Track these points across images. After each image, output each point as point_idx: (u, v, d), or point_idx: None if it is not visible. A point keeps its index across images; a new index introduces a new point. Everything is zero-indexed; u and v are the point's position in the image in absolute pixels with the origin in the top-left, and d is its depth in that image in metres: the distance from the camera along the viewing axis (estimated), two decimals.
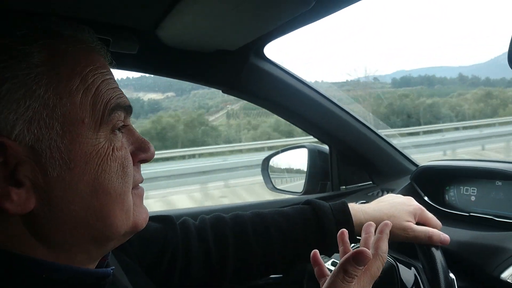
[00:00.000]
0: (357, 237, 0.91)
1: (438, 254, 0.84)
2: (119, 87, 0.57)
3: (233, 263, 0.89)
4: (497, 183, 1.09)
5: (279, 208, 0.98)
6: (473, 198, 1.15)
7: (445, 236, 0.87)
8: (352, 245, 1.01)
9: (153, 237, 0.85)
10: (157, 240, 0.86)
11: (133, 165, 0.57)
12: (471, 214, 1.10)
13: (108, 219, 0.53)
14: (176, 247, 0.86)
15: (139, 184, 0.61)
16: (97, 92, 0.52)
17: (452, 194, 1.21)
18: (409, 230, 0.88)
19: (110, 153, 0.53)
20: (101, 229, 0.53)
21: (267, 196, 1.97)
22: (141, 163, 0.61)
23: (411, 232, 0.87)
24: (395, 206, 0.91)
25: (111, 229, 0.53)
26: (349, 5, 0.83)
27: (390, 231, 0.88)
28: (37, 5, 0.78)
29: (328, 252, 0.92)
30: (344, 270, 0.61)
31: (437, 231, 0.88)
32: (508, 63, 0.81)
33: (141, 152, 0.60)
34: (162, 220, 0.89)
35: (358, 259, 0.60)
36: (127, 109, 0.57)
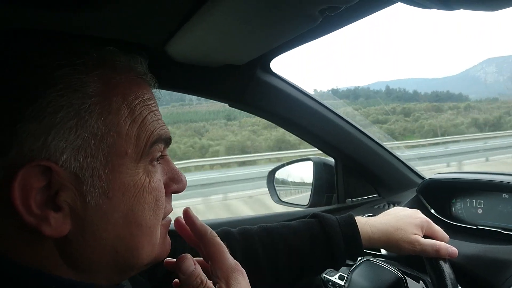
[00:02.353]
0: (365, 251, 0.91)
1: (446, 267, 0.84)
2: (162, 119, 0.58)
3: None
4: (504, 195, 1.09)
5: (286, 222, 0.98)
6: (480, 211, 1.15)
7: (453, 249, 0.87)
8: (359, 259, 1.01)
9: None
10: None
11: (165, 195, 0.58)
12: (478, 227, 1.10)
13: (135, 250, 0.54)
14: None
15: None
16: (142, 124, 0.53)
17: (459, 207, 1.20)
18: (416, 243, 0.87)
19: (147, 185, 0.53)
20: (127, 258, 0.54)
21: None
22: (172, 193, 0.61)
23: (418, 245, 0.87)
24: (402, 219, 0.91)
25: (136, 259, 0.54)
26: (354, 21, 0.85)
27: (398, 245, 0.89)
28: (46, 24, 0.80)
29: (336, 265, 0.92)
30: None
31: (445, 244, 0.87)
32: None
33: (173, 183, 0.60)
34: (171, 234, 0.90)
35: None
36: (167, 141, 0.58)
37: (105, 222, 0.50)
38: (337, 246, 0.89)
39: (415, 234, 0.88)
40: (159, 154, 0.56)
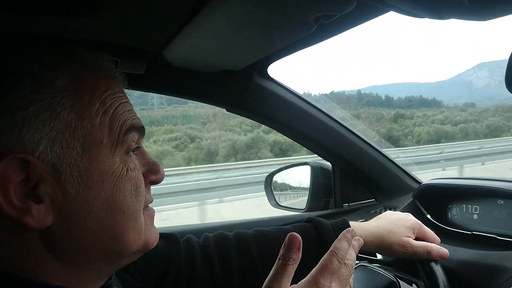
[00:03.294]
0: (361, 256, 0.91)
1: (438, 269, 0.85)
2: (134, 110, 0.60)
3: (237, 281, 0.89)
4: (499, 201, 1.09)
5: (281, 226, 0.99)
6: (475, 217, 1.15)
7: (444, 250, 0.88)
8: (355, 262, 1.02)
9: (156, 255, 0.85)
10: (161, 258, 0.86)
11: (144, 186, 0.59)
12: (473, 232, 1.10)
13: (121, 236, 0.55)
14: (180, 265, 0.87)
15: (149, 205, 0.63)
16: (114, 114, 0.55)
17: (455, 212, 1.21)
18: (407, 246, 0.89)
19: (125, 174, 0.55)
20: (114, 246, 0.54)
21: None
22: (151, 184, 0.63)
23: (410, 247, 0.88)
24: (394, 222, 0.93)
25: (123, 246, 0.55)
26: (349, 29, 0.86)
27: (390, 248, 0.90)
28: (46, 27, 0.81)
29: None
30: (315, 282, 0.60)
31: (436, 246, 0.89)
32: (506, 86, 0.83)
33: (151, 174, 0.62)
34: (165, 238, 0.90)
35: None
36: (141, 130, 0.60)
37: (87, 210, 0.52)
38: None
39: (407, 237, 0.90)
40: (134, 144, 0.58)
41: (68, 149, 0.51)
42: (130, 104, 0.60)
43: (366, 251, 0.94)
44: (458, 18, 0.59)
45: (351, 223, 0.93)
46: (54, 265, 0.51)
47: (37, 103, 0.49)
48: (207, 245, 0.92)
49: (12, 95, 0.49)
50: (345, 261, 0.64)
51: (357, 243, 0.70)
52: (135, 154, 0.59)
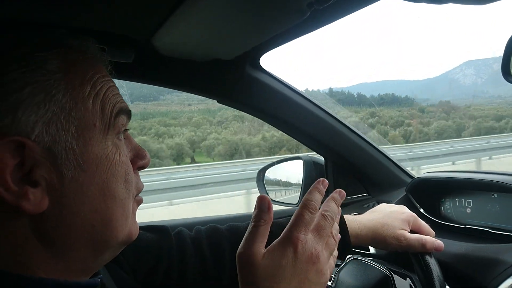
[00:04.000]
0: (354, 250, 0.90)
1: (432, 262, 0.84)
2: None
3: (230, 272, 0.88)
4: (493, 195, 1.09)
5: (275, 219, 0.97)
6: (468, 210, 1.15)
7: (439, 243, 0.87)
8: (348, 256, 1.01)
9: (147, 248, 0.85)
10: (152, 251, 0.85)
11: (133, 172, 0.59)
12: (467, 226, 1.10)
13: (110, 222, 0.54)
14: (171, 258, 0.86)
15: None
16: (105, 97, 0.55)
17: (448, 206, 1.20)
18: (402, 238, 0.87)
19: (118, 158, 0.55)
20: (102, 232, 0.54)
21: None
22: (139, 170, 0.63)
23: (404, 240, 0.87)
24: (388, 215, 0.91)
25: (111, 233, 0.55)
26: (343, 16, 0.84)
27: (385, 241, 0.89)
28: (33, 14, 0.79)
29: None
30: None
31: (431, 238, 0.88)
32: (502, 75, 0.82)
33: (139, 159, 0.62)
34: (156, 231, 0.89)
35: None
36: (129, 113, 0.60)
37: (82, 195, 0.51)
38: None
39: (402, 229, 0.88)
40: (123, 127, 0.58)
41: (63, 132, 0.50)
42: (117, 88, 0.60)
43: (360, 244, 0.92)
44: (456, 2, 0.58)
45: (345, 216, 0.91)
46: (43, 256, 0.51)
47: (31, 85, 0.49)
48: (199, 238, 0.91)
49: (5, 78, 0.48)
50: (323, 212, 0.63)
51: (338, 194, 0.68)
52: (124, 138, 0.59)
